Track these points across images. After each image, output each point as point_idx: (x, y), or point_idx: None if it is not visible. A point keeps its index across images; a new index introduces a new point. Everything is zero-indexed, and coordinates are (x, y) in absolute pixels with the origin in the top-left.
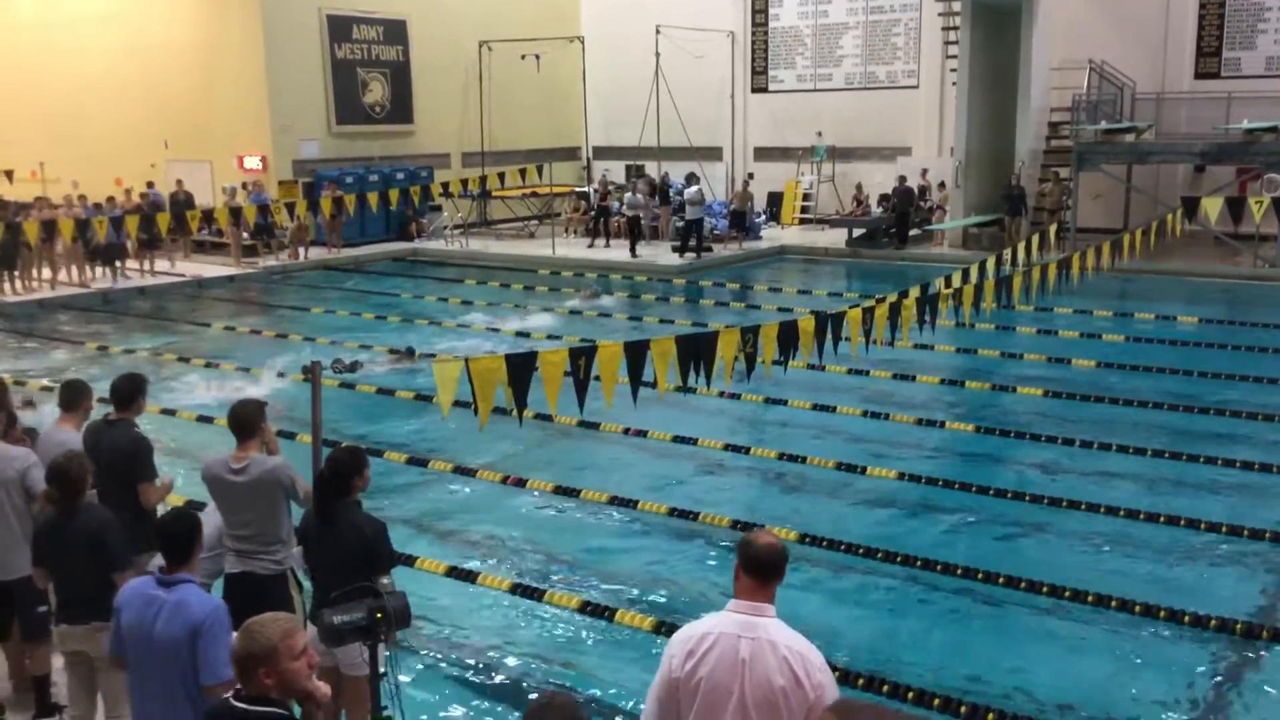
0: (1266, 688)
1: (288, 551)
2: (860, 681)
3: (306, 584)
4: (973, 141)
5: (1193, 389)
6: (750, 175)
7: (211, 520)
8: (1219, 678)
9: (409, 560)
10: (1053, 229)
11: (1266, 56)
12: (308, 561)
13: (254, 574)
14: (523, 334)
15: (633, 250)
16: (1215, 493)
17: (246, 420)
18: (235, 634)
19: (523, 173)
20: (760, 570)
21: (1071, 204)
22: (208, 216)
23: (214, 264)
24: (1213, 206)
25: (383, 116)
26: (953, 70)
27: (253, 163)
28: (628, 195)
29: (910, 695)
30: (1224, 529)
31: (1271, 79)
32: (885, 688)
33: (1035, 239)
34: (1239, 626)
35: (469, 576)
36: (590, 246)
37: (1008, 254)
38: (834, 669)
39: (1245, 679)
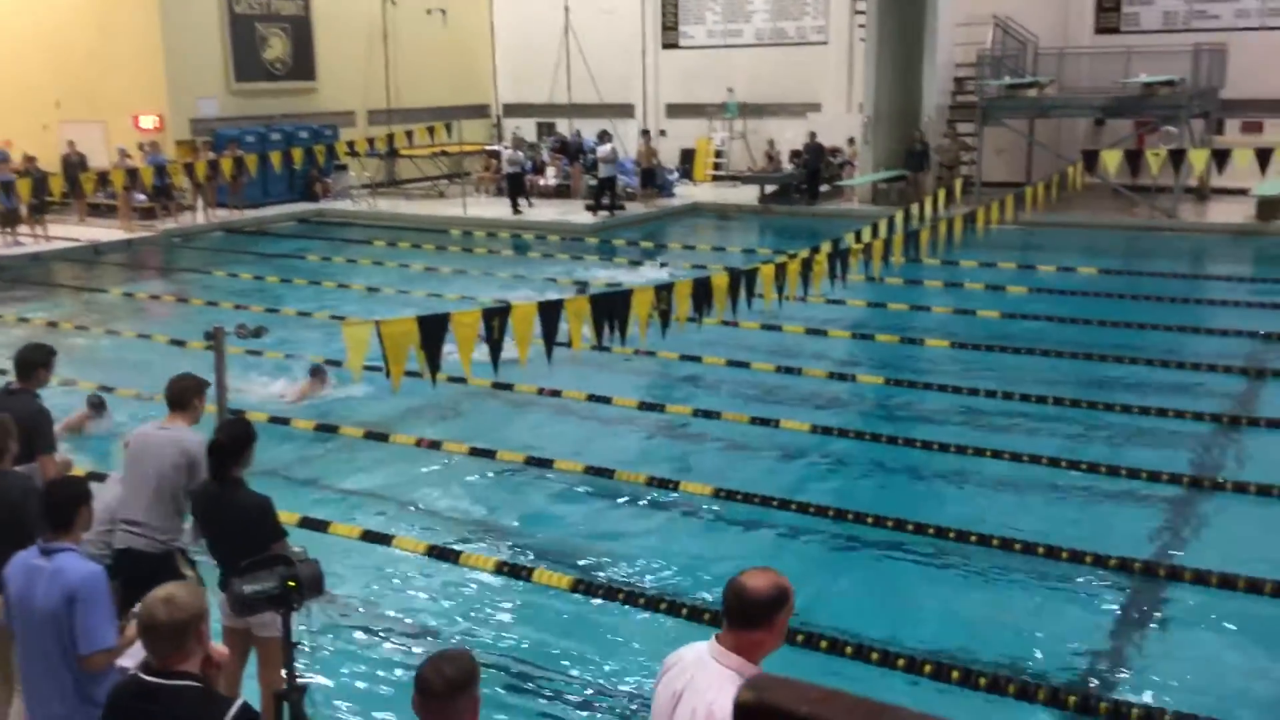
0: (1165, 624)
1: (178, 532)
2: None
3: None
4: (881, 97)
5: (1093, 337)
6: (662, 132)
7: (110, 492)
8: (1120, 615)
9: (321, 526)
10: (958, 183)
11: (1164, 11)
12: (204, 534)
13: (143, 551)
14: (435, 295)
15: (514, 207)
16: (1114, 437)
17: (180, 393)
18: (149, 606)
19: (431, 131)
20: (724, 610)
21: (970, 159)
22: (102, 179)
23: (112, 228)
24: (1112, 159)
25: (284, 73)
26: (861, 26)
27: (148, 122)
28: (506, 151)
29: (824, 644)
30: (1123, 472)
31: (1169, 34)
32: (800, 637)
33: (942, 194)
34: (1138, 565)
35: (383, 540)
36: (530, 205)
37: (915, 209)
38: None
39: (1145, 616)
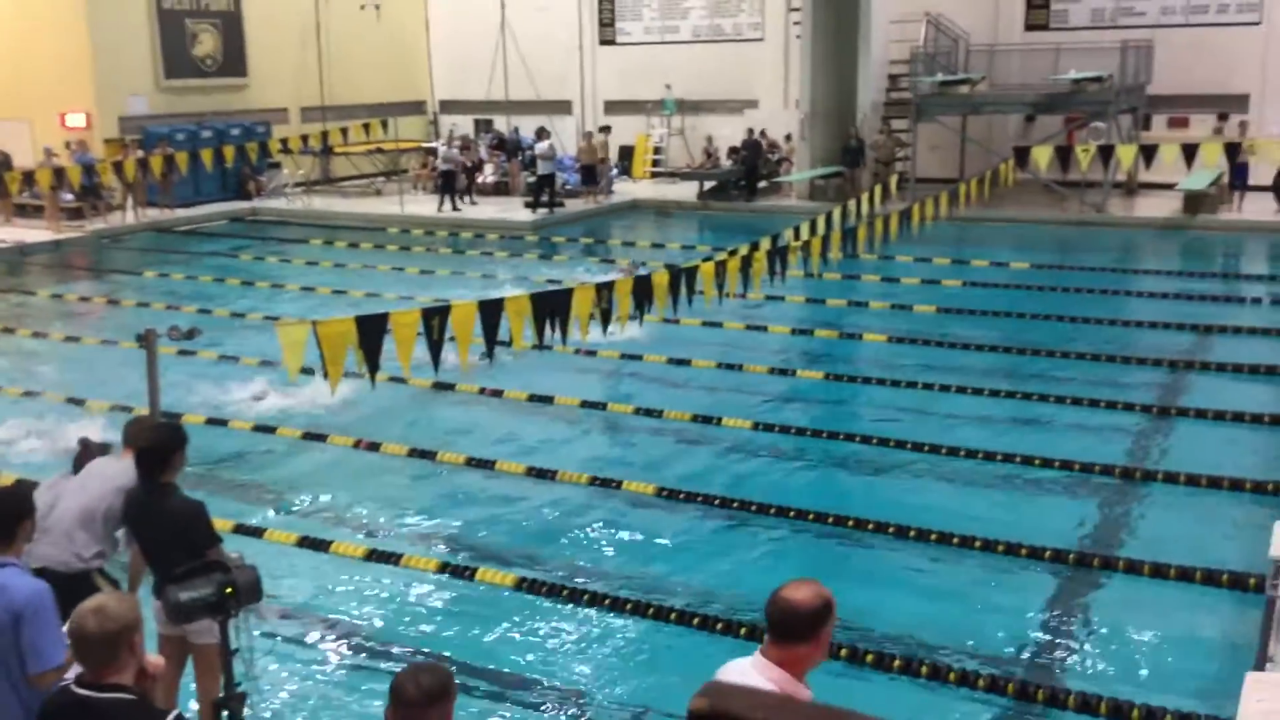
0: (1099, 612)
1: (104, 558)
2: (719, 626)
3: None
4: (817, 94)
5: (1027, 330)
6: (605, 128)
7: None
8: (1056, 605)
9: (258, 532)
10: (893, 180)
11: (1092, 8)
12: (137, 541)
13: (57, 571)
14: (372, 294)
15: (440, 205)
16: (1048, 429)
17: (135, 436)
18: (79, 617)
19: (366, 128)
20: (768, 625)
21: (904, 155)
22: (28, 178)
23: (38, 229)
24: (1042, 155)
25: (215, 70)
26: (796, 24)
27: (76, 121)
28: (441, 148)
29: (743, 630)
30: (1056, 464)
31: (1097, 30)
32: (743, 630)
33: (878, 190)
34: (1073, 556)
35: (322, 545)
36: (472, 204)
37: (852, 205)
38: (693, 615)
39: (1080, 605)
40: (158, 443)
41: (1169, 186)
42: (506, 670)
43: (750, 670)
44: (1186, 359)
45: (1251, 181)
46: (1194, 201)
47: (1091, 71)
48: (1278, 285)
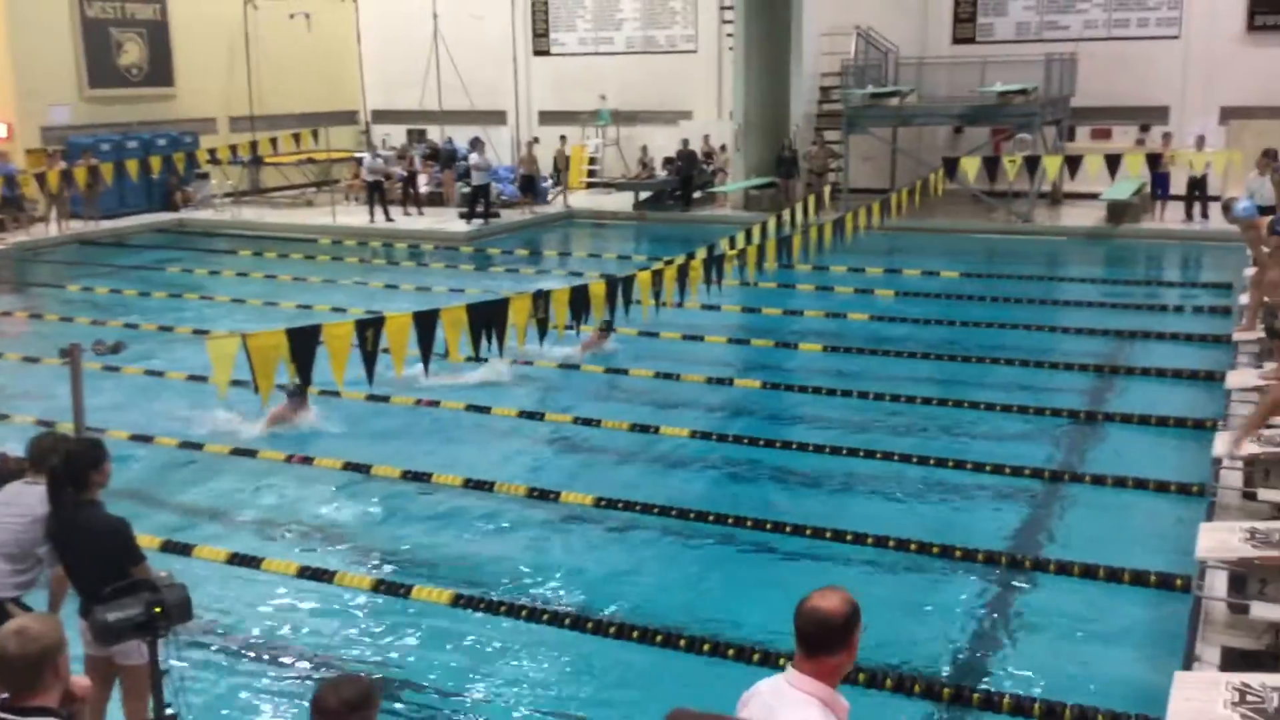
0: (1032, 614)
1: (25, 588)
2: (659, 638)
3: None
4: (750, 105)
5: (957, 338)
6: (535, 139)
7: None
8: (989, 608)
9: (185, 550)
10: (826, 190)
11: (1017, 22)
12: (60, 559)
13: None
14: (304, 306)
15: (372, 216)
16: (978, 434)
17: (40, 455)
18: (0, 640)
19: (297, 138)
20: (800, 638)
21: (837, 166)
22: None
23: None
24: (971, 166)
25: (140, 79)
26: (729, 35)
27: None
28: (366, 159)
29: (706, 647)
30: (988, 468)
31: (1021, 44)
32: (682, 642)
33: (811, 200)
34: (1004, 559)
35: (253, 563)
36: (406, 214)
37: (786, 215)
38: (633, 628)
39: (1012, 607)
40: (72, 460)
41: (1093, 196)
42: (444, 688)
43: (788, 689)
44: (1111, 364)
45: (1173, 191)
46: (1117, 211)
47: (1017, 84)
48: (1197, 292)
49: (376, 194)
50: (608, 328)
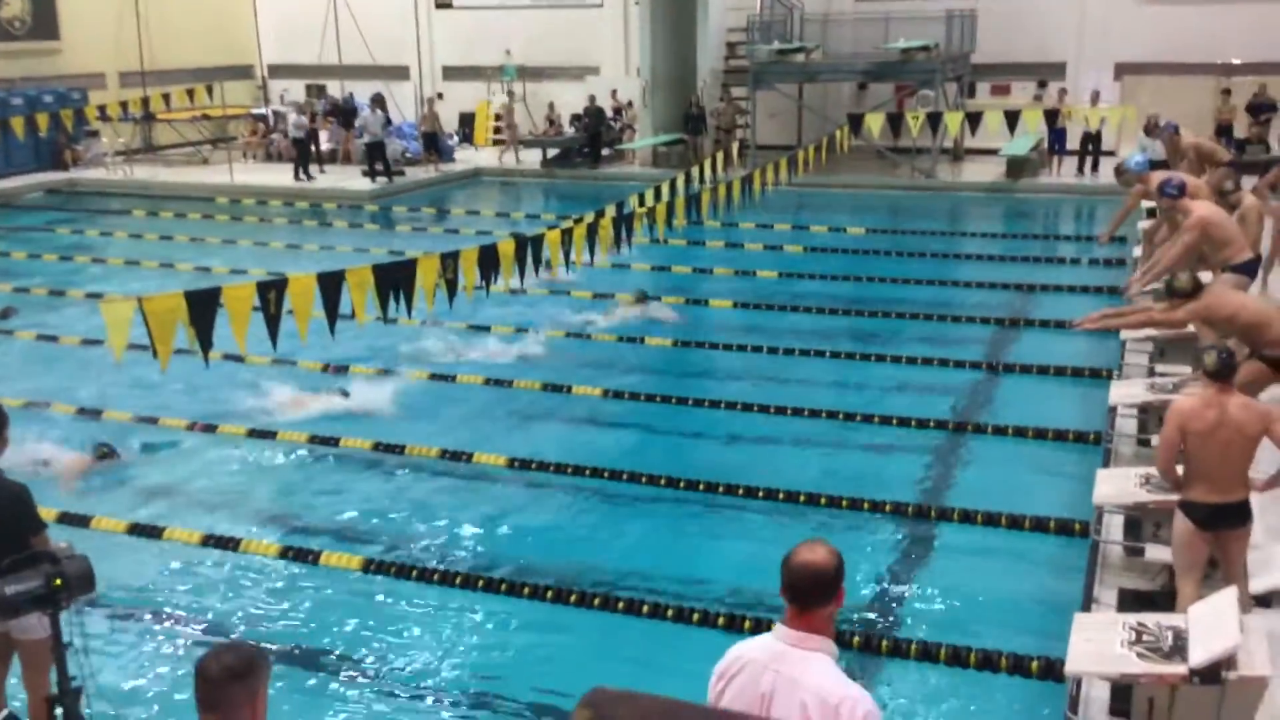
0: (937, 563)
1: None
2: (573, 598)
3: None
4: (657, 62)
5: (864, 293)
6: (439, 95)
7: None
8: (898, 557)
9: (84, 520)
10: (734, 146)
11: None
12: None
13: None
14: (202, 268)
15: (297, 173)
16: (885, 387)
17: None
18: None
19: (191, 93)
20: (795, 595)
21: (744, 123)
22: None
23: None
24: (875, 122)
25: (23, 33)
26: None
27: None
28: (293, 115)
29: (620, 605)
30: (894, 420)
31: (923, 0)
32: (596, 600)
33: (720, 157)
34: (911, 509)
35: (155, 532)
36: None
37: (695, 172)
38: (545, 588)
39: (919, 556)
40: None
41: (993, 152)
42: (356, 655)
43: (784, 646)
44: (1012, 316)
45: (1069, 146)
46: (1016, 166)
47: (919, 41)
48: (1093, 245)
49: (303, 150)
50: (644, 297)
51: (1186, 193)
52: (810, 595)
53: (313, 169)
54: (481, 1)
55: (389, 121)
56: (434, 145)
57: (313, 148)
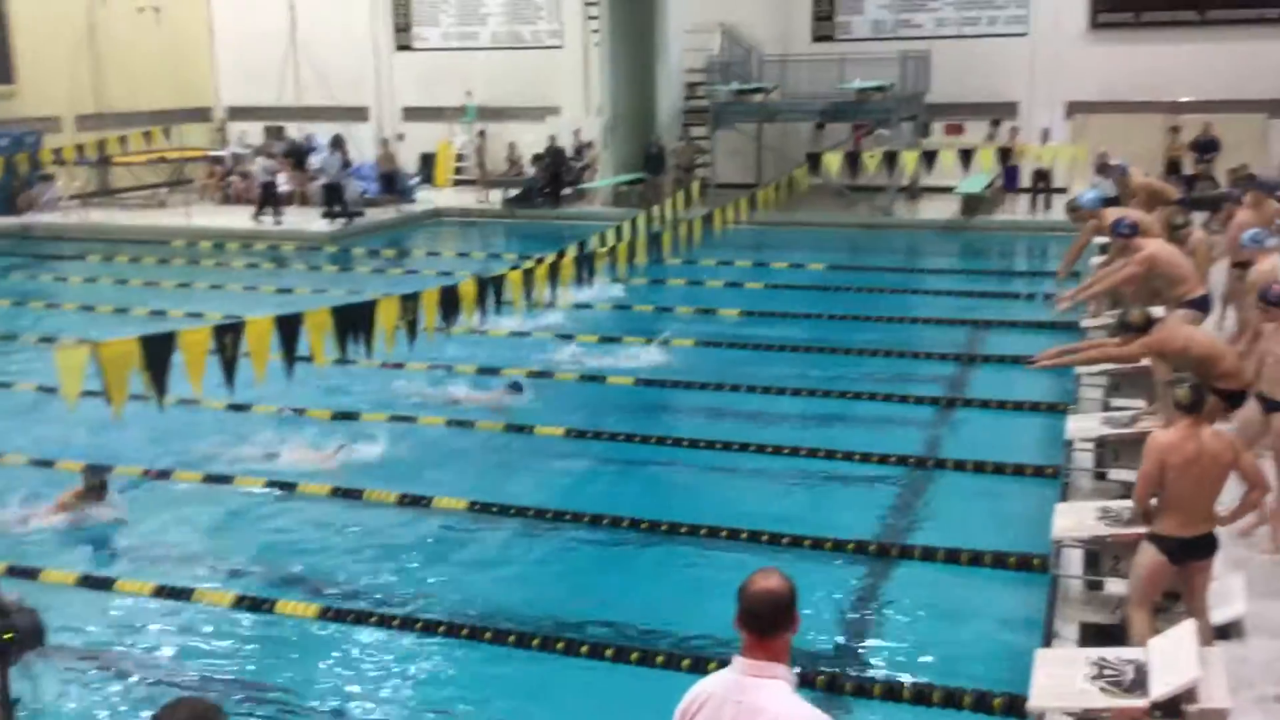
0: (900, 601)
1: None
2: (535, 642)
3: None
4: (618, 101)
5: (824, 330)
6: (400, 135)
7: None
8: (859, 596)
9: (33, 574)
10: (695, 185)
11: (873, 20)
12: None
13: None
14: (157, 312)
15: (259, 215)
16: (845, 424)
17: None
18: None
19: (147, 136)
20: (755, 623)
21: (704, 162)
22: None
23: None
24: (833, 161)
25: None
26: (595, 31)
27: None
28: (260, 160)
29: (570, 646)
30: (856, 457)
31: (878, 41)
32: (560, 645)
33: (680, 196)
34: (873, 547)
35: (105, 584)
36: (263, 215)
37: (656, 211)
38: (508, 633)
39: (881, 595)
40: None
41: (948, 190)
42: (313, 704)
43: (744, 678)
44: (969, 353)
45: (1022, 184)
46: (971, 203)
47: (875, 81)
48: (1047, 280)
49: (271, 193)
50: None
51: (1139, 231)
52: (770, 622)
53: (259, 211)
54: (442, 43)
55: (347, 163)
56: (392, 185)
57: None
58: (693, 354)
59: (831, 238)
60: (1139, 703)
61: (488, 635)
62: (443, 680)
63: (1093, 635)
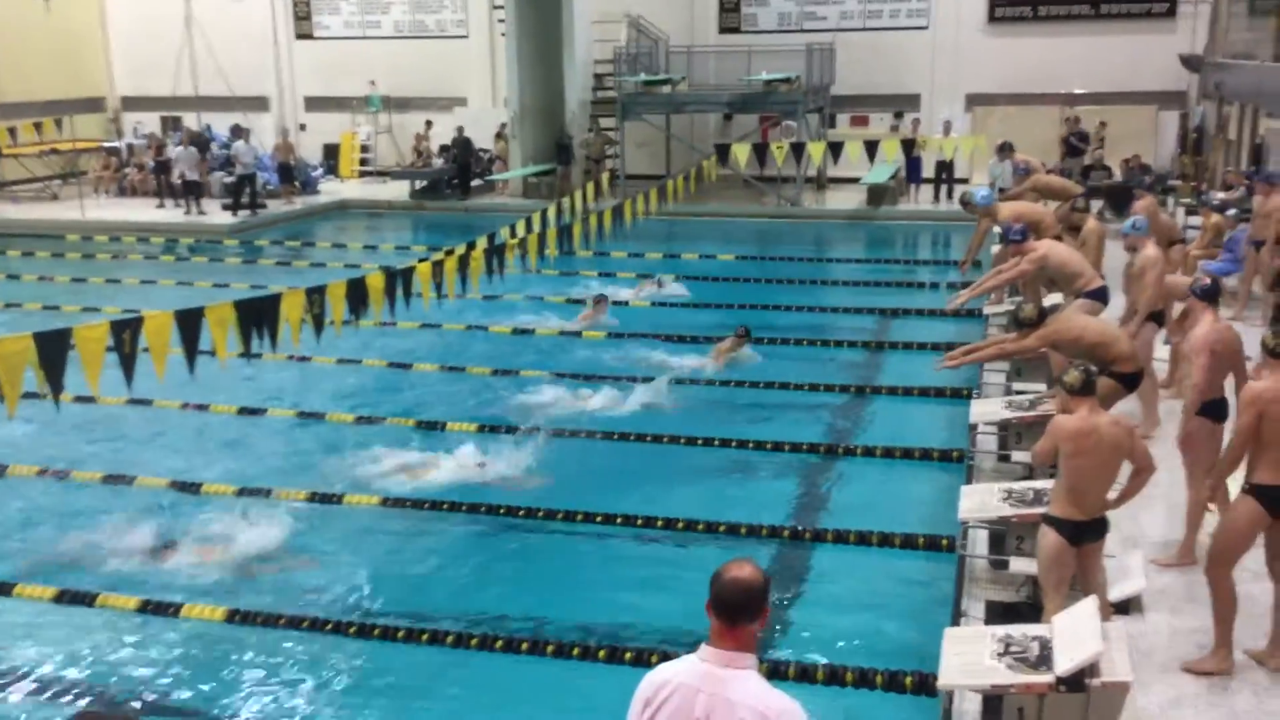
0: (813, 584)
1: None
2: (449, 639)
3: None
4: (525, 93)
5: (734, 319)
6: (302, 125)
7: None
8: (775, 580)
9: None
10: (604, 176)
11: (779, 13)
12: None
13: None
14: (51, 307)
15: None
16: (757, 413)
17: None
18: None
19: (38, 127)
20: (724, 611)
21: (613, 153)
22: None
23: None
24: (741, 152)
25: None
26: (501, 21)
27: None
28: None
29: (499, 644)
30: (768, 445)
31: (784, 34)
32: (499, 643)
33: (590, 187)
34: (786, 532)
35: (3, 590)
36: (160, 207)
37: (566, 202)
38: (420, 631)
39: (794, 578)
40: None
41: (854, 180)
42: (217, 710)
43: (715, 668)
44: (877, 340)
45: (925, 174)
46: (876, 194)
47: (781, 73)
48: (950, 269)
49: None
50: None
51: (1029, 232)
52: (741, 611)
53: (155, 203)
54: (344, 31)
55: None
56: (290, 176)
57: (174, 181)
58: (605, 345)
59: (741, 228)
60: (1044, 678)
61: (400, 634)
62: (355, 682)
63: (999, 613)
